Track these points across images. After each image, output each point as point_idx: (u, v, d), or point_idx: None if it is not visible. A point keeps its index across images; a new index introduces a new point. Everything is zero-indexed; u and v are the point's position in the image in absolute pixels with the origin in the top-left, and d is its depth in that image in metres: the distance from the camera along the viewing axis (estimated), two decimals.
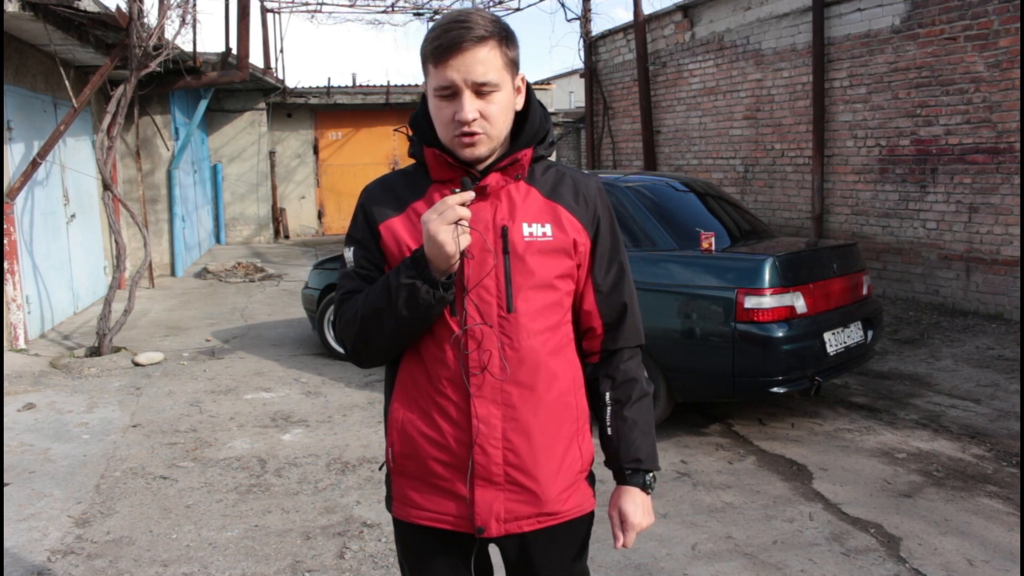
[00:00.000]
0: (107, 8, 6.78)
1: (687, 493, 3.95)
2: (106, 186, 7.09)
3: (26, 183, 6.95)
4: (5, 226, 6.61)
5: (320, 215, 17.32)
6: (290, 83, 16.37)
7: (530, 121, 1.62)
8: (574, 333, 1.69)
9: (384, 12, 16.76)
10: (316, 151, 17.11)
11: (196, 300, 9.67)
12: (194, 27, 9.47)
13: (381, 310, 1.53)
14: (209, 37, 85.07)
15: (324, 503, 3.88)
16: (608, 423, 1.69)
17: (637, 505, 1.67)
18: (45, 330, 7.73)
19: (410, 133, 1.66)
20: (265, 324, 8.22)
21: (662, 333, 4.59)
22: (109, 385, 5.97)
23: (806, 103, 9.53)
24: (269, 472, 4.29)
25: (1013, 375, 5.77)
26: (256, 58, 18.25)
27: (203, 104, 11.81)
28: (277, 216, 16.41)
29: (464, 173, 1.56)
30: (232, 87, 14.03)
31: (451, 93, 1.50)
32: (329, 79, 16.42)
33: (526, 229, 1.57)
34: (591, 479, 1.73)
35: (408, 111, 15.77)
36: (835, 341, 4.65)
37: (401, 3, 16.30)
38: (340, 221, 17.17)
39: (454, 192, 1.48)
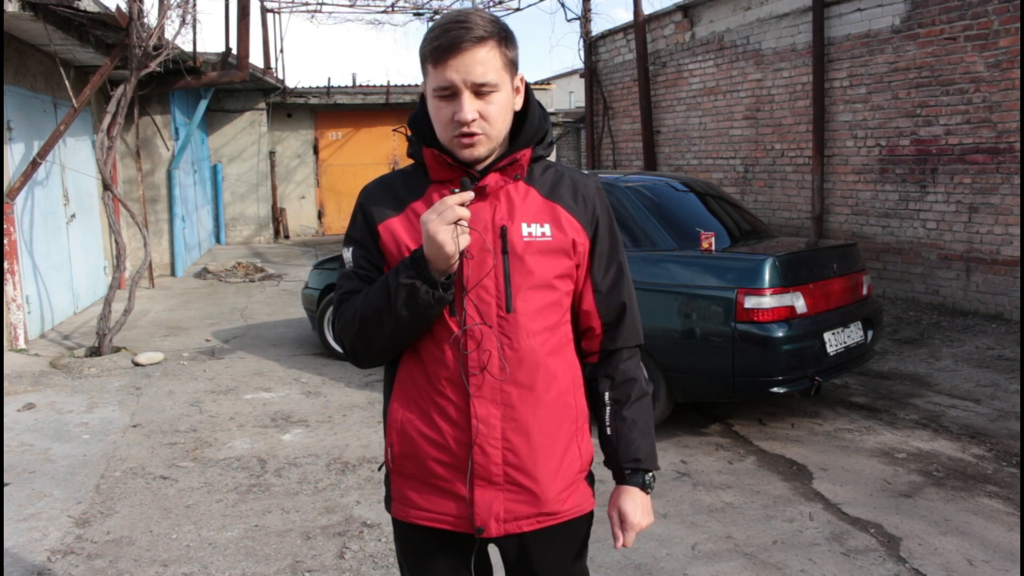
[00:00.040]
0: (107, 8, 6.78)
1: (687, 493, 3.95)
2: (106, 186, 7.09)
3: (26, 183, 6.95)
4: (5, 226, 6.61)
5: (320, 215, 17.32)
6: (290, 83, 16.38)
7: (529, 121, 1.62)
8: (573, 333, 1.69)
9: (384, 12, 16.77)
10: (316, 151, 17.11)
11: (196, 300, 9.68)
12: (194, 27, 9.47)
13: (380, 310, 1.53)
14: (209, 37, 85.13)
15: (324, 503, 3.88)
16: (607, 423, 1.69)
17: (636, 505, 1.67)
18: (45, 330, 7.73)
19: (409, 133, 1.66)
20: (265, 324, 8.22)
21: (662, 333, 4.59)
22: (109, 385, 5.97)
23: (806, 103, 9.53)
24: (269, 472, 4.29)
25: (1013, 375, 5.77)
26: (256, 58, 18.26)
27: (203, 104, 11.81)
28: (277, 216, 16.41)
29: (463, 173, 1.56)
30: (232, 87, 14.04)
31: (450, 93, 1.50)
32: (329, 79, 16.43)
33: (525, 229, 1.57)
34: (590, 479, 1.73)
35: (408, 111, 15.80)
36: (835, 341, 4.65)
37: (401, 3, 16.31)
38: (340, 221, 17.17)
39: (453, 192, 1.48)
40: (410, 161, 1.69)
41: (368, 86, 16.81)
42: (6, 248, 6.64)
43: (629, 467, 1.68)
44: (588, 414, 1.71)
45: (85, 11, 6.55)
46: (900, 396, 5.44)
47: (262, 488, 4.08)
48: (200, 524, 3.68)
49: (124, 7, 6.83)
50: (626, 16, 37.39)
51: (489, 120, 1.52)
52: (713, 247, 4.69)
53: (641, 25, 12.17)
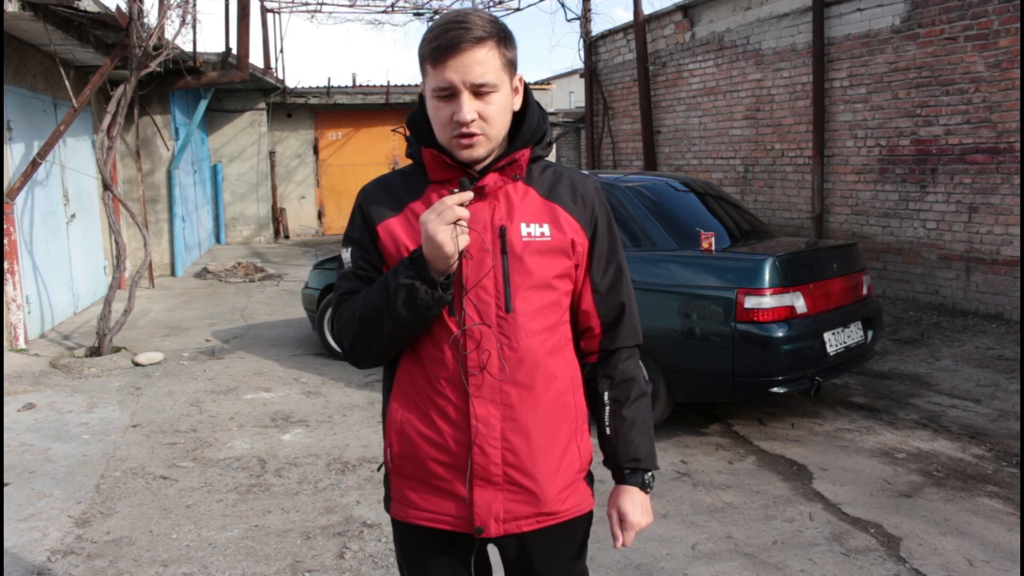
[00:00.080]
0: (107, 8, 6.78)
1: (687, 493, 3.95)
2: (106, 186, 7.09)
3: (26, 183, 6.95)
4: (5, 226, 6.61)
5: (320, 215, 17.33)
6: (290, 83, 16.38)
7: (528, 121, 1.61)
8: (572, 333, 1.69)
9: (384, 12, 16.77)
10: (316, 151, 17.11)
11: (196, 300, 9.68)
12: (194, 27, 9.47)
13: (380, 311, 1.53)
14: (209, 37, 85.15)
15: (324, 503, 3.88)
16: (607, 422, 1.69)
17: (636, 504, 1.67)
18: (45, 330, 7.73)
19: (407, 134, 1.66)
20: (265, 324, 8.22)
21: (662, 333, 4.59)
22: (109, 385, 5.97)
23: (806, 103, 9.53)
24: (269, 472, 4.29)
25: (1013, 375, 5.77)
26: (256, 58, 18.26)
27: (203, 104, 11.81)
28: (277, 216, 16.41)
29: (462, 173, 1.56)
30: (232, 87, 14.04)
31: (449, 94, 1.50)
32: (329, 79, 16.43)
33: (524, 229, 1.57)
34: (590, 479, 1.73)
35: (408, 111, 15.77)
36: (835, 341, 4.65)
37: (401, 3, 16.31)
38: (340, 221, 17.17)
39: (452, 192, 1.48)
40: (410, 161, 1.69)
41: (368, 86, 16.81)
42: (6, 248, 6.64)
43: (628, 467, 1.68)
44: (587, 414, 1.71)
45: (85, 11, 6.55)
46: (900, 396, 5.44)
47: (262, 488, 4.08)
48: (200, 524, 3.68)
49: (124, 7, 6.84)
50: (626, 16, 37.41)
51: (488, 120, 1.51)
52: (713, 247, 4.69)
53: (641, 25, 12.17)
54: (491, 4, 15.58)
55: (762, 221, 6.09)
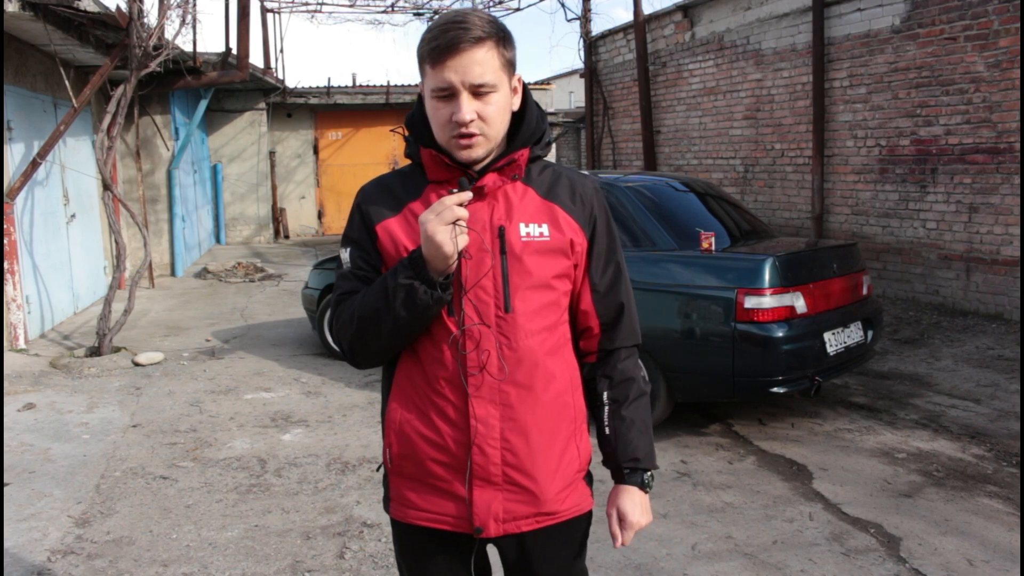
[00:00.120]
0: (107, 8, 6.78)
1: (687, 493, 3.95)
2: (106, 186, 7.09)
3: (26, 183, 6.95)
4: (5, 226, 6.61)
5: (320, 215, 17.33)
6: (290, 83, 16.38)
7: (527, 121, 1.61)
8: (571, 333, 1.69)
9: (384, 12, 16.77)
10: (316, 151, 17.11)
11: (196, 300, 9.68)
12: (194, 27, 9.47)
13: (379, 311, 1.53)
14: (209, 37, 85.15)
15: (324, 503, 3.88)
16: (606, 422, 1.69)
17: (635, 504, 1.67)
18: (45, 330, 7.73)
19: (406, 134, 1.66)
20: (265, 324, 8.22)
21: (662, 333, 4.59)
22: (109, 385, 5.97)
23: (806, 103, 9.53)
24: (269, 472, 4.29)
25: (1013, 375, 5.77)
26: (256, 58, 18.26)
27: (203, 104, 11.81)
28: (277, 216, 16.41)
29: (461, 173, 1.56)
30: (232, 87, 14.04)
31: (448, 94, 1.50)
32: (329, 79, 16.43)
33: (523, 229, 1.57)
34: (589, 478, 1.73)
35: (408, 111, 15.81)
36: (835, 341, 4.65)
37: (401, 3, 16.31)
38: (340, 221, 17.17)
39: (451, 192, 1.48)
40: (409, 161, 1.69)
41: (368, 86, 16.82)
42: (6, 248, 6.64)
43: (628, 466, 1.68)
44: (586, 414, 1.71)
45: (85, 11, 6.55)
46: (900, 396, 5.44)
47: (262, 488, 4.08)
48: (200, 524, 3.68)
49: (124, 7, 6.84)
50: (626, 16, 37.42)
51: (487, 121, 1.51)
52: (713, 247, 4.69)
53: (641, 25, 12.17)
54: (491, 4, 15.58)
55: (762, 221, 6.09)
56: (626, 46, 13.12)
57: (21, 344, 6.91)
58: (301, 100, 16.23)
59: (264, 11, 16.53)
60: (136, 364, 6.50)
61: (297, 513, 3.78)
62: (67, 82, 7.17)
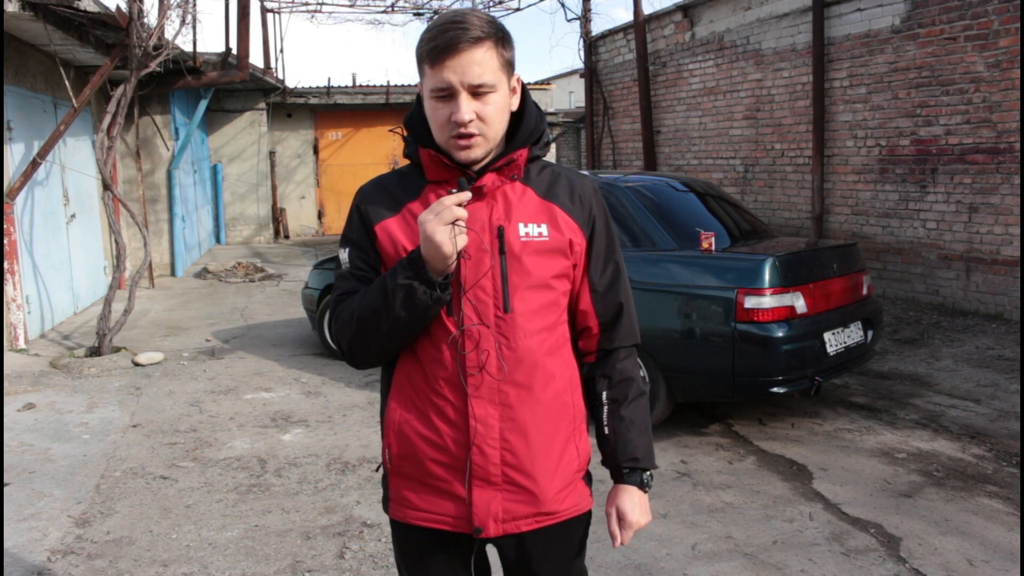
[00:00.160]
0: (107, 8, 6.78)
1: (687, 493, 3.95)
2: (106, 186, 7.09)
3: (26, 183, 6.95)
4: (5, 226, 6.61)
5: (320, 215, 17.33)
6: (290, 83, 16.38)
7: (525, 121, 1.61)
8: (570, 333, 1.69)
9: (384, 12, 16.77)
10: (316, 151, 17.12)
11: (196, 300, 9.68)
12: (194, 27, 9.47)
13: (378, 311, 1.53)
14: (209, 37, 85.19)
15: (324, 503, 3.88)
16: (605, 422, 1.69)
17: (635, 503, 1.67)
18: (45, 330, 7.73)
19: (405, 134, 1.66)
20: (265, 324, 8.22)
21: (662, 333, 4.59)
22: (109, 385, 5.97)
23: (806, 103, 9.53)
24: (269, 472, 4.29)
25: (1013, 375, 5.77)
26: (256, 58, 18.26)
27: (203, 104, 11.82)
28: (277, 216, 16.42)
29: (460, 173, 1.56)
30: (232, 87, 14.04)
31: (447, 94, 1.50)
32: (329, 79, 16.43)
33: (522, 229, 1.57)
34: (588, 478, 1.73)
35: (408, 111, 15.85)
36: (835, 341, 4.65)
37: (401, 3, 16.31)
38: (340, 221, 17.17)
39: (450, 192, 1.48)
40: (408, 161, 1.69)
41: (368, 86, 16.82)
42: (6, 248, 6.64)
43: (627, 466, 1.68)
44: (585, 413, 1.71)
45: (85, 11, 6.55)
46: (900, 396, 5.44)
47: (262, 488, 4.08)
48: (200, 524, 3.68)
49: (124, 7, 6.84)
50: (626, 16, 37.43)
51: (486, 121, 1.51)
52: (713, 247, 4.69)
53: (641, 25, 12.16)
54: (491, 4, 15.58)
55: (762, 221, 6.09)
56: (626, 46, 13.12)
57: (21, 344, 6.91)
58: (301, 100, 16.24)
59: (264, 11, 16.53)
60: (136, 364, 6.50)
61: (297, 513, 3.78)
62: (67, 82, 7.17)
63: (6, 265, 6.66)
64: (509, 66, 1.55)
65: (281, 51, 19.54)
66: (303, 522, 3.68)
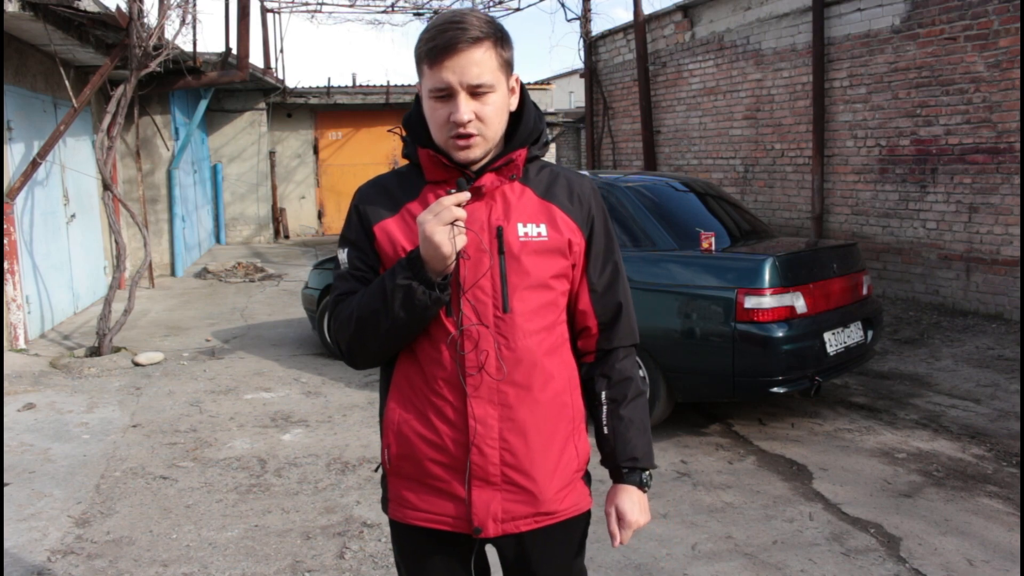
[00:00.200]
0: (107, 8, 6.78)
1: (687, 493, 3.95)
2: (106, 186, 7.09)
3: (26, 183, 6.95)
4: (5, 226, 6.61)
5: (320, 215, 17.33)
6: (290, 83, 16.39)
7: (524, 121, 1.61)
8: (569, 333, 1.69)
9: (384, 12, 16.77)
10: (316, 151, 17.12)
11: (196, 300, 9.68)
12: (194, 27, 9.47)
13: (377, 311, 1.53)
14: (209, 37, 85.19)
15: (324, 503, 3.88)
16: (604, 422, 1.69)
17: (634, 503, 1.67)
18: (45, 330, 7.73)
19: (403, 134, 1.65)
20: (265, 324, 8.22)
21: (662, 333, 4.59)
22: (109, 385, 5.97)
23: (806, 103, 9.53)
24: (269, 472, 4.29)
25: (1013, 375, 5.77)
26: (256, 58, 18.27)
27: (203, 104, 11.82)
28: (277, 216, 16.42)
29: (459, 173, 1.56)
30: (232, 87, 14.04)
31: (446, 94, 1.50)
32: (329, 79, 16.43)
33: (521, 229, 1.57)
34: (587, 478, 1.73)
35: (408, 111, 15.84)
36: (835, 341, 4.65)
37: (401, 3, 16.31)
38: (340, 221, 17.17)
39: (449, 193, 1.48)
40: (407, 161, 1.69)
41: (368, 86, 16.82)
42: (6, 248, 6.64)
43: (626, 466, 1.68)
44: (584, 413, 1.71)
45: (85, 11, 6.55)
46: (900, 396, 5.44)
47: (262, 488, 4.08)
48: (200, 524, 3.68)
49: (124, 7, 6.84)
50: (626, 16, 37.43)
51: (485, 121, 1.51)
52: (713, 247, 4.69)
53: (641, 25, 12.16)
54: (491, 4, 15.58)
55: (762, 221, 6.09)
56: (626, 46, 13.12)
57: (21, 344, 6.91)
58: (301, 100, 16.24)
59: (264, 11, 16.54)
60: (136, 364, 6.50)
61: (297, 513, 3.78)
62: (67, 82, 7.17)
63: (6, 265, 6.66)
64: (508, 66, 1.55)
65: (281, 51, 19.56)
66: (303, 522, 3.68)
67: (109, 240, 9.92)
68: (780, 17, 9.84)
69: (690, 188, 5.55)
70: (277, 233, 16.32)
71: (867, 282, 5.16)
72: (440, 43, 1.47)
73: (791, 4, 9.62)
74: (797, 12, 9.55)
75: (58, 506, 3.90)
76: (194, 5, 7.93)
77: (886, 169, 8.59)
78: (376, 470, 1.81)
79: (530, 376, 1.58)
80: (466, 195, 1.48)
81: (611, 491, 1.71)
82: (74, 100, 6.91)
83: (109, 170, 7.12)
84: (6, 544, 3.50)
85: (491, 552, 1.77)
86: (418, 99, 1.60)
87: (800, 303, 4.45)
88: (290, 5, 16.47)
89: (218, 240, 15.22)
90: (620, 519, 1.68)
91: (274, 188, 16.24)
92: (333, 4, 16.30)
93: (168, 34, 7.25)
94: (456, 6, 15.48)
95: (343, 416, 5.21)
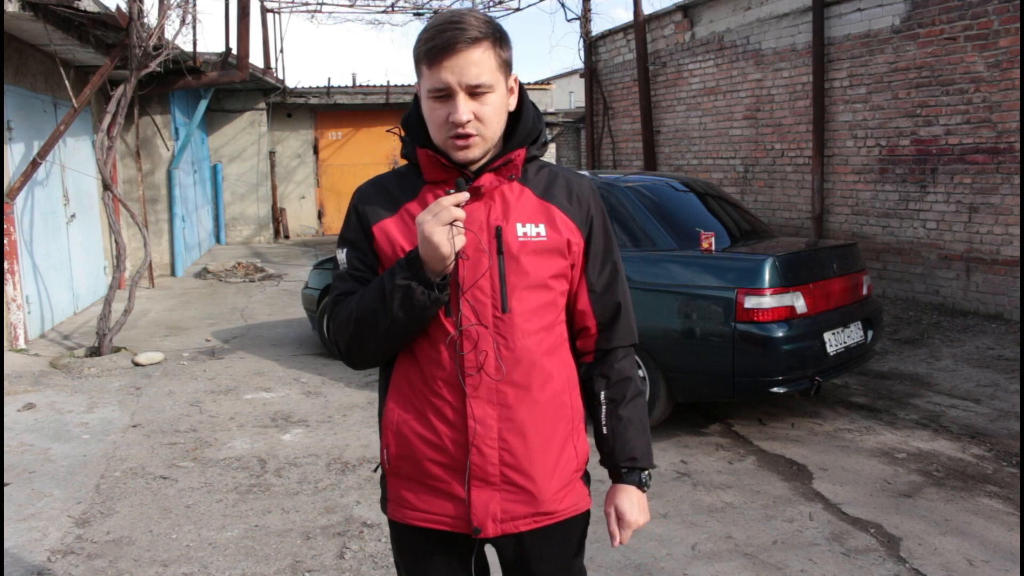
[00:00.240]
0: (107, 8, 6.78)
1: (687, 493, 3.95)
2: (106, 186, 7.09)
3: (26, 183, 6.95)
4: (5, 226, 6.61)
5: (320, 215, 17.33)
6: (290, 83, 16.39)
7: (523, 121, 1.61)
8: (568, 333, 1.69)
9: (384, 12, 16.77)
10: (316, 151, 17.12)
11: (196, 300, 9.68)
12: (194, 27, 9.48)
13: (376, 312, 1.53)
14: (209, 37, 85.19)
15: (324, 503, 3.88)
16: (603, 422, 1.69)
17: (633, 503, 1.67)
18: (45, 330, 7.73)
19: (402, 134, 1.65)
20: (265, 324, 8.22)
21: (662, 333, 4.59)
22: (109, 385, 5.97)
23: (806, 103, 9.53)
24: (269, 472, 4.29)
25: (1013, 375, 5.77)
26: (256, 58, 18.27)
27: (203, 104, 11.82)
28: (277, 216, 16.42)
29: (458, 174, 1.56)
30: (232, 87, 14.04)
31: (445, 95, 1.50)
32: (329, 79, 16.43)
33: (520, 229, 1.57)
34: (587, 478, 1.73)
35: (408, 111, 15.83)
36: (835, 341, 4.65)
37: (401, 3, 16.31)
38: (340, 221, 17.16)
39: (448, 193, 1.48)
40: (407, 161, 1.69)
41: (368, 86, 16.82)
42: (6, 248, 6.64)
43: (626, 466, 1.68)
44: (583, 413, 1.71)
45: (85, 11, 6.55)
46: (900, 396, 5.44)
47: (262, 488, 4.08)
48: (200, 524, 3.68)
49: (124, 7, 6.84)
50: (626, 16, 37.43)
51: (484, 121, 1.51)
52: (713, 247, 4.69)
53: (641, 25, 12.16)
54: (491, 4, 15.58)
55: (762, 221, 6.09)
56: (626, 46, 13.12)
57: (21, 344, 6.91)
58: (301, 100, 16.24)
59: (264, 11, 16.53)
60: (136, 364, 6.50)
61: (297, 513, 3.78)
62: (67, 82, 7.17)
63: (6, 265, 6.66)
64: (507, 66, 1.55)
65: (281, 51, 19.56)
66: (303, 522, 3.68)
67: (109, 240, 9.92)
68: (780, 17, 9.84)
69: (690, 188, 5.55)
70: (277, 233, 16.32)
71: (867, 282, 5.16)
72: (439, 43, 1.47)
73: (791, 4, 9.62)
74: (797, 12, 9.55)
75: (58, 506, 3.90)
76: (194, 5, 7.94)
77: (886, 169, 8.59)
78: (375, 470, 1.81)
79: (529, 376, 1.57)
80: (465, 195, 1.48)
81: (610, 491, 1.71)
82: (74, 100, 6.91)
83: (109, 170, 7.12)
84: (6, 544, 3.50)
85: (491, 552, 1.77)
86: (417, 99, 1.60)
87: (800, 303, 4.45)
88: (290, 5, 16.48)
89: (218, 240, 15.23)
90: (620, 519, 1.67)
91: (274, 188, 16.25)
92: (333, 4, 16.30)
93: (168, 34, 7.25)
94: (456, 6, 15.48)
95: (343, 416, 5.21)
